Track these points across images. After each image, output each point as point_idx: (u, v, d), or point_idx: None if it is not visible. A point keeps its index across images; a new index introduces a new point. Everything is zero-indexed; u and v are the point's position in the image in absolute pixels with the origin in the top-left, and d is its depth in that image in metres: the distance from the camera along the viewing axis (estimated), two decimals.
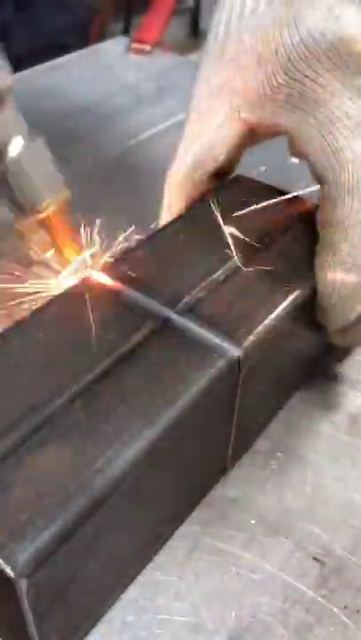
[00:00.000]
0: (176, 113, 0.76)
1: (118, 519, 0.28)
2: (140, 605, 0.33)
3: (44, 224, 0.41)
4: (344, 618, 0.33)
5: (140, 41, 0.88)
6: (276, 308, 0.34)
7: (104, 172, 0.66)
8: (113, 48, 0.91)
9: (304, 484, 0.39)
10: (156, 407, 0.29)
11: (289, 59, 0.36)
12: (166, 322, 0.33)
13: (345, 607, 0.34)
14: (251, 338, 0.33)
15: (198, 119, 0.41)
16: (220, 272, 0.36)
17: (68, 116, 0.75)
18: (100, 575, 0.30)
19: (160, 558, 0.35)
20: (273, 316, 0.34)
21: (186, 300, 0.34)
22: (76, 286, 0.35)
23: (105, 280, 0.35)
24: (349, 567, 0.35)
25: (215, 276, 0.36)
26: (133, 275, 0.35)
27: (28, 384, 0.30)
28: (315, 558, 0.36)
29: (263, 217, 0.40)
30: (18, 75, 0.83)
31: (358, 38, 0.35)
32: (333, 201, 0.36)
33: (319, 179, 0.37)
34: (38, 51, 0.90)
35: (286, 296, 0.35)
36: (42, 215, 0.40)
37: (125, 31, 2.23)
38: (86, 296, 0.34)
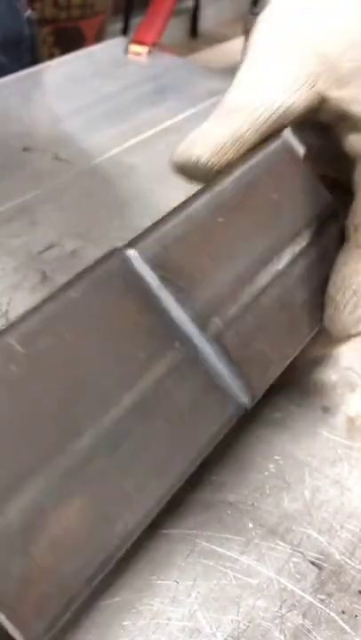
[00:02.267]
0: (175, 114, 0.76)
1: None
2: (136, 610, 0.33)
3: None
4: (342, 623, 0.33)
5: (139, 42, 0.87)
6: (293, 352, 0.33)
7: (102, 172, 0.66)
8: (111, 49, 0.91)
9: (302, 488, 0.39)
10: (171, 462, 0.28)
11: None
12: (193, 350, 0.30)
13: (343, 612, 0.33)
14: (262, 386, 0.32)
15: (261, 72, 0.32)
16: (260, 278, 0.33)
17: (65, 117, 0.75)
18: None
19: (157, 562, 0.35)
20: (287, 362, 0.33)
21: (216, 320, 0.30)
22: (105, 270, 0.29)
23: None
24: (348, 571, 0.35)
25: (253, 285, 0.32)
26: (168, 262, 0.30)
27: (45, 419, 0.25)
28: (312, 562, 0.35)
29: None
30: (14, 75, 0.83)
31: None
32: None
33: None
34: None
35: (306, 337, 0.33)
36: None
37: (125, 32, 2.23)
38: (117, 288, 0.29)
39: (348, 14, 0.31)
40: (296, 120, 0.33)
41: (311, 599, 0.34)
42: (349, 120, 0.33)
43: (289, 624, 0.33)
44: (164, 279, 0.30)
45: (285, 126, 0.34)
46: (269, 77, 0.32)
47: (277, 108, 0.32)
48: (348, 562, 0.35)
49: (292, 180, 0.35)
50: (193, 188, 0.60)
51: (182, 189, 0.64)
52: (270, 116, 0.32)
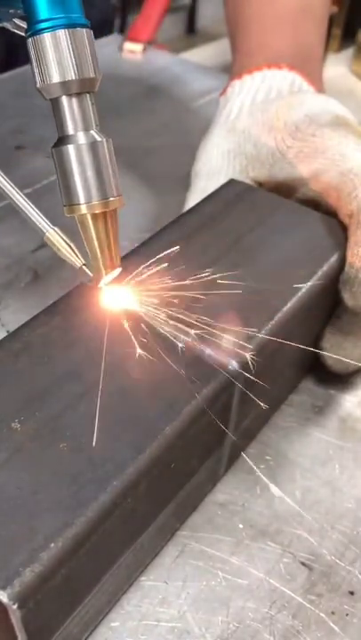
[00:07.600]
0: (169, 111, 0.75)
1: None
2: (125, 611, 0.33)
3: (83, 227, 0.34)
4: (332, 624, 0.33)
5: (133, 39, 0.87)
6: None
7: None
8: (107, 46, 0.90)
9: (293, 488, 0.38)
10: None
11: (296, 127, 0.44)
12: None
13: (333, 613, 0.33)
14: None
15: (208, 178, 0.47)
16: None
17: None
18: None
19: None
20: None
21: None
22: None
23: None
24: (338, 572, 0.35)
25: None
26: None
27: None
28: (303, 563, 0.35)
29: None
30: (6, 73, 0.82)
31: (346, 116, 0.46)
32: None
33: (340, 200, 0.41)
34: None
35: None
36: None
37: (122, 29, 2.22)
38: None
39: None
40: None
41: (301, 600, 0.34)
42: (283, 186, 0.45)
43: (279, 625, 0.33)
44: None
45: None
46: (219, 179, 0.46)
47: None
48: (339, 562, 0.35)
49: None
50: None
51: (177, 189, 0.63)
52: None
